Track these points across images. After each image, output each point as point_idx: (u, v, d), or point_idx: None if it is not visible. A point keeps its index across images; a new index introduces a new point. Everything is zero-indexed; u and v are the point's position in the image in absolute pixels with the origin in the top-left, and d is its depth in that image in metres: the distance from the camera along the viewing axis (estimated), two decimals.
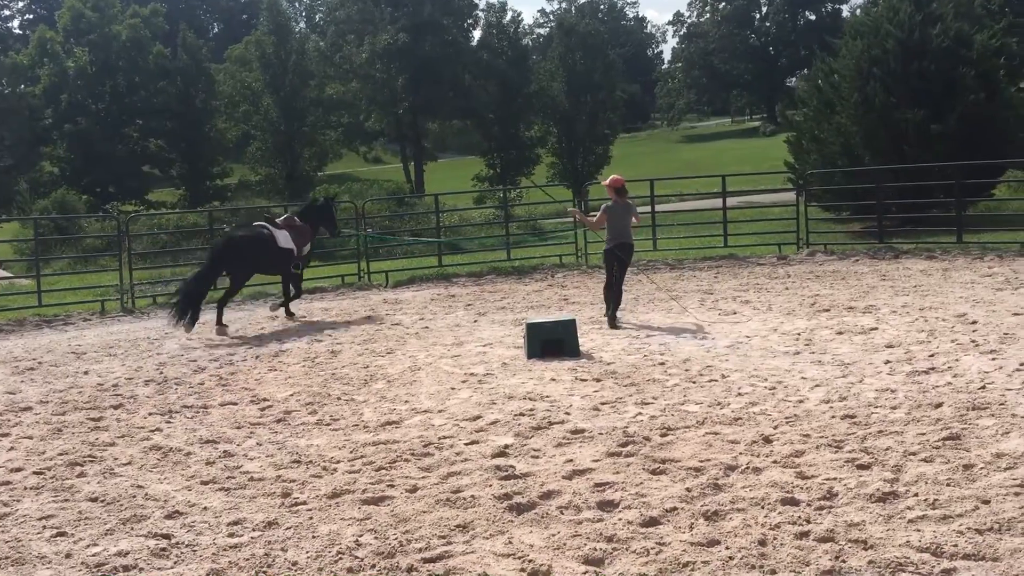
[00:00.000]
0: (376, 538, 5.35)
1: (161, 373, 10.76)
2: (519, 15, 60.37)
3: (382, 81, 57.53)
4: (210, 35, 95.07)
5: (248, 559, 5.17)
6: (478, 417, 7.97)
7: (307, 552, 5.22)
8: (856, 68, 23.36)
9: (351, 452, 7.14)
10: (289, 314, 14.33)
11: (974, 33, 24.36)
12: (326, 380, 9.90)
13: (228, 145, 57.33)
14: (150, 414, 8.75)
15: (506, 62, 55.17)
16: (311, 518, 5.75)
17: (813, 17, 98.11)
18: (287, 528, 5.60)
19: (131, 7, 59.70)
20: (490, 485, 6.15)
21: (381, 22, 57.25)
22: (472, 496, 5.94)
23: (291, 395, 9.25)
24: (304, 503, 6.04)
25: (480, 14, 60.61)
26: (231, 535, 5.56)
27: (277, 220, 14.22)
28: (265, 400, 9.05)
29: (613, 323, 12.17)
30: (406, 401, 8.75)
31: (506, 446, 7.05)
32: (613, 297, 12.43)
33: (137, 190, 57.21)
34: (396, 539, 5.30)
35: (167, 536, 5.57)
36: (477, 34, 61.22)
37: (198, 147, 54.98)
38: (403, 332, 12.84)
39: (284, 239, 13.92)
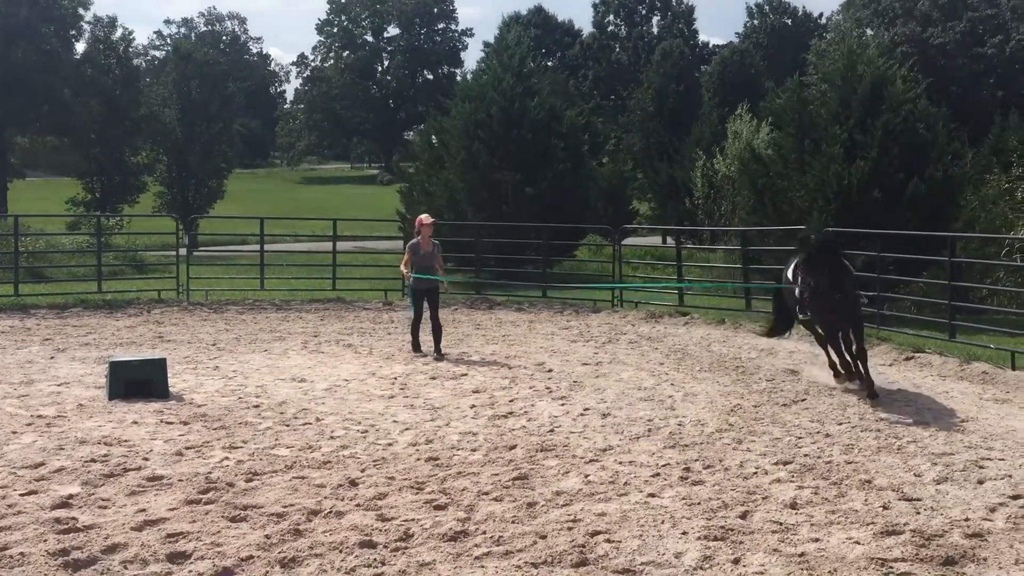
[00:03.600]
0: None
1: None
2: (131, 33, 56.34)
3: None
4: None
5: None
6: (41, 464, 7.19)
7: None
8: (464, 129, 24.94)
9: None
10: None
11: (565, 109, 27.16)
12: None
13: None
14: None
15: (113, 81, 51.39)
16: None
17: (431, 77, 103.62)
18: None
19: None
20: (45, 540, 5.54)
21: None
22: (21, 553, 5.32)
23: None
24: None
25: (85, 26, 56.06)
26: None
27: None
28: None
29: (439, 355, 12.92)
30: None
31: (70, 496, 6.43)
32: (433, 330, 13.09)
33: None
34: None
35: None
36: (81, 47, 56.45)
37: None
38: None
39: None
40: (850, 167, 18.39)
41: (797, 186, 19.18)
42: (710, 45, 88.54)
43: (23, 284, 18.31)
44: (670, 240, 37.28)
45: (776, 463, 7.59)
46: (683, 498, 6.63)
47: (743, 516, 6.24)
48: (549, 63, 72.17)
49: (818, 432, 8.69)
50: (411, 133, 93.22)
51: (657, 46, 63.05)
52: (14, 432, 8.21)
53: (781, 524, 6.08)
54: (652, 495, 6.71)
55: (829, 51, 43.01)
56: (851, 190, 18.25)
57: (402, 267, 13.67)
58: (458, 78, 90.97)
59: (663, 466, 7.47)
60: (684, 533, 5.89)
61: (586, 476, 7.18)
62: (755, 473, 7.31)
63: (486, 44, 51.58)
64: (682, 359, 12.98)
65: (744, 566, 5.37)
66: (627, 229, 25.48)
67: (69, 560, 5.23)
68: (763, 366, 12.41)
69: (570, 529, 5.95)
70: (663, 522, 6.09)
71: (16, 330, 14.67)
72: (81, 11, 53.70)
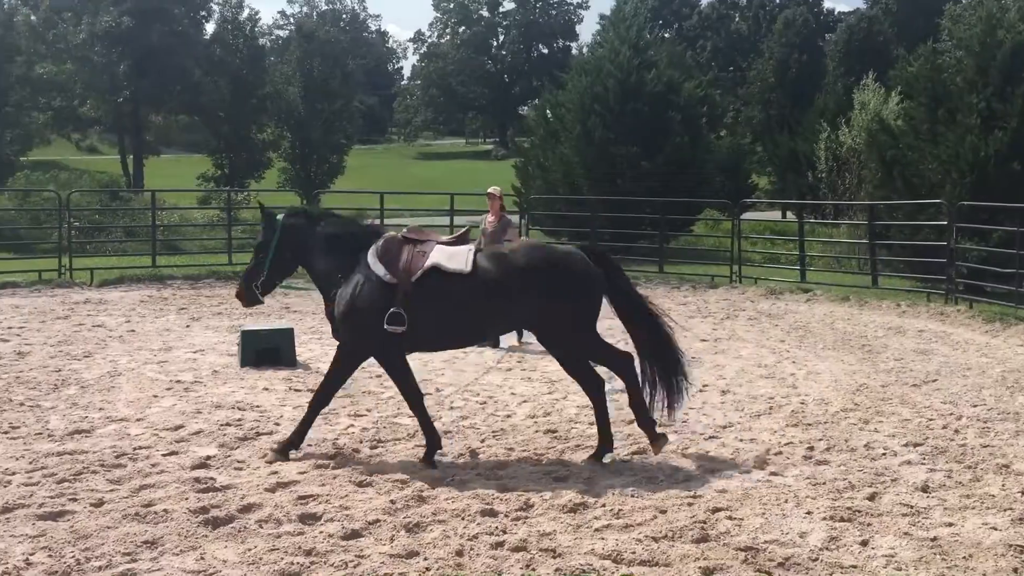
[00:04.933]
0: (50, 556, 4.92)
1: None
2: (256, 13, 58.25)
3: (101, 66, 53.49)
4: None
5: None
6: (180, 427, 7.57)
7: None
8: (579, 103, 24.80)
9: (30, 463, 6.52)
10: None
11: (683, 82, 26.67)
12: (8, 384, 8.99)
13: None
14: None
15: (240, 60, 53.19)
16: None
17: (546, 51, 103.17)
18: None
19: None
20: (186, 498, 5.85)
21: (103, 2, 53.29)
22: (165, 510, 5.62)
23: None
24: None
25: (215, 7, 58.10)
26: None
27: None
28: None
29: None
30: (101, 408, 8.14)
31: (208, 457, 6.75)
32: None
33: None
34: (73, 557, 4.90)
35: None
36: (210, 28, 58.61)
37: None
38: (105, 335, 11.95)
39: None
40: (987, 138, 17.47)
41: (929, 158, 18.35)
42: (835, 12, 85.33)
43: (159, 256, 19.23)
44: (790, 215, 36.24)
45: (906, 445, 7.35)
46: (807, 478, 6.49)
47: (871, 498, 6.07)
48: (666, 35, 70.87)
49: (951, 414, 8.35)
50: (526, 108, 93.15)
51: (779, 15, 61.16)
52: (155, 396, 8.67)
53: (912, 507, 5.89)
54: (774, 473, 6.60)
55: (965, 16, 40.89)
56: (988, 162, 17.34)
57: None
58: (573, 51, 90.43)
59: (785, 445, 7.33)
60: (809, 513, 5.77)
61: (706, 452, 7.11)
62: (883, 454, 7.09)
63: (602, 16, 51.09)
64: (804, 336, 12.66)
65: (873, 548, 5.24)
66: (746, 203, 24.90)
67: (209, 518, 5.50)
68: (891, 345, 11.99)
69: (690, 505, 5.91)
70: (786, 501, 5.98)
71: (154, 299, 15.44)
72: None
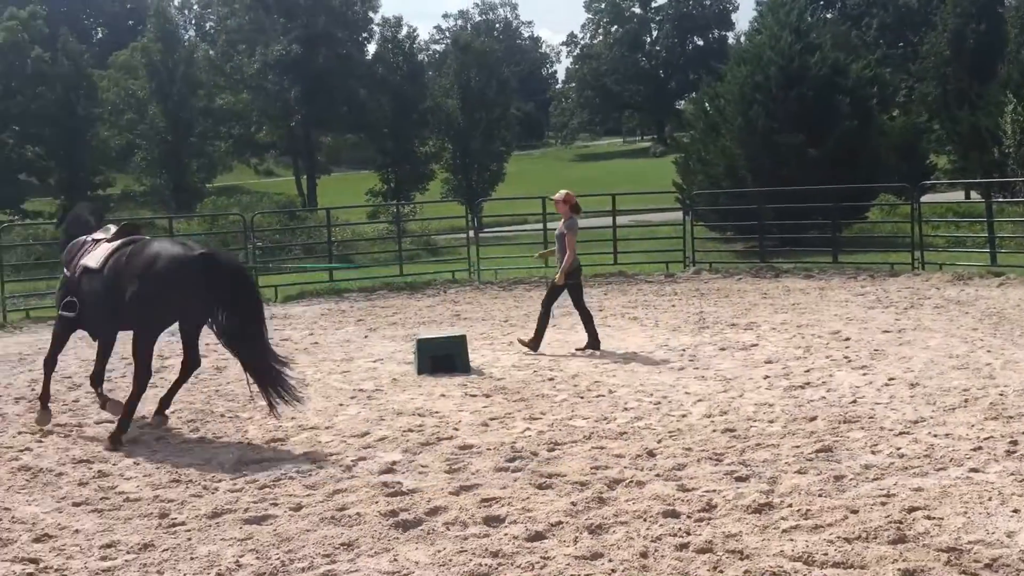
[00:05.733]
0: (258, 558, 5.23)
1: (33, 390, 10.26)
2: (415, 30, 60.33)
3: (274, 92, 56.65)
4: (93, 40, 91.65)
5: None
6: (366, 433, 7.89)
7: (184, 574, 5.07)
8: (740, 93, 24.23)
9: (234, 470, 6.96)
10: None
11: (849, 63, 25.62)
12: (209, 397, 9.64)
13: (111, 154, 55.26)
14: (19, 433, 8.35)
15: (401, 77, 55.07)
16: (189, 539, 5.58)
17: (701, 43, 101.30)
18: (164, 550, 5.42)
19: (8, 9, 57.11)
20: (376, 502, 6.09)
21: (273, 32, 56.41)
22: (358, 513, 5.87)
23: (172, 412, 8.96)
24: (183, 524, 5.85)
25: (375, 28, 60.41)
26: (104, 558, 5.35)
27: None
28: (144, 418, 8.72)
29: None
30: (292, 418, 8.58)
31: (394, 462, 7.01)
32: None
33: (12, 199, 54.48)
34: (278, 559, 5.20)
35: (35, 560, 5.33)
36: (372, 48, 60.99)
37: (79, 155, 52.81)
38: (292, 347, 12.58)
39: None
40: None
41: None
42: None
43: (336, 270, 20.11)
44: (975, 195, 34.06)
45: None
46: (1011, 474, 6.09)
47: None
48: (828, 15, 68.16)
49: None
50: (683, 102, 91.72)
51: None
52: (341, 404, 9.07)
53: None
54: (975, 470, 6.22)
55: None
56: None
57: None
58: (730, 41, 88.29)
59: (985, 439, 6.90)
60: (1016, 511, 5.41)
61: (897, 449, 6.78)
62: None
63: (759, 2, 49.56)
64: (999, 324, 11.88)
65: None
66: (925, 186, 23.60)
67: (399, 521, 5.71)
68: None
69: (884, 504, 5.66)
70: (990, 499, 5.63)
71: (333, 312, 16.17)
72: (371, 14, 57.82)
